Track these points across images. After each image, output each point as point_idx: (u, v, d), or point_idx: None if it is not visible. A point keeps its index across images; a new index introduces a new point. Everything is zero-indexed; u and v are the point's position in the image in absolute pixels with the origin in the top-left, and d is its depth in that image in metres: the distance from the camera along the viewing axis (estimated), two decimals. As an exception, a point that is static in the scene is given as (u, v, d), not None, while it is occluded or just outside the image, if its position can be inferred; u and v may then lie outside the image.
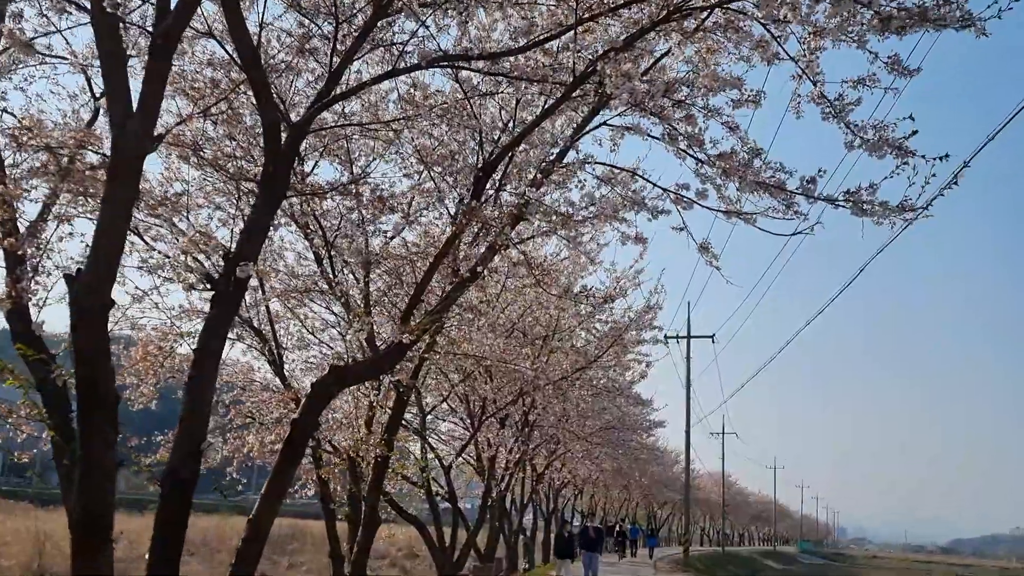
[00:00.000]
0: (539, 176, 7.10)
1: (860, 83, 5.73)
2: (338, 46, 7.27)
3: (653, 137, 7.46)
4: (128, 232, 8.47)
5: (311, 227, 11.29)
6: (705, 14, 6.52)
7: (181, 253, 6.31)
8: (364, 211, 10.81)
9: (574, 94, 6.67)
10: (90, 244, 4.90)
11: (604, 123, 7.60)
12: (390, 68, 6.85)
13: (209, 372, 5.98)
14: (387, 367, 8.07)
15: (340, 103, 9.70)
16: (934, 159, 5.79)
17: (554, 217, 8.28)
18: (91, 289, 4.87)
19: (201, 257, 7.37)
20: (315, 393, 6.33)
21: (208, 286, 5.77)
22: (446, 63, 6.69)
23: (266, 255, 11.75)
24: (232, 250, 5.87)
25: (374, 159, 11.26)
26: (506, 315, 14.79)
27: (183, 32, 4.78)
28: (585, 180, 8.30)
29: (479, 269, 7.03)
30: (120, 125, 4.78)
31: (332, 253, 11.66)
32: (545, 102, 6.91)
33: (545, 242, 14.35)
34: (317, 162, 11.28)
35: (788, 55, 5.84)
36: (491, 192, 8.78)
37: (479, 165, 6.72)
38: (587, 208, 8.92)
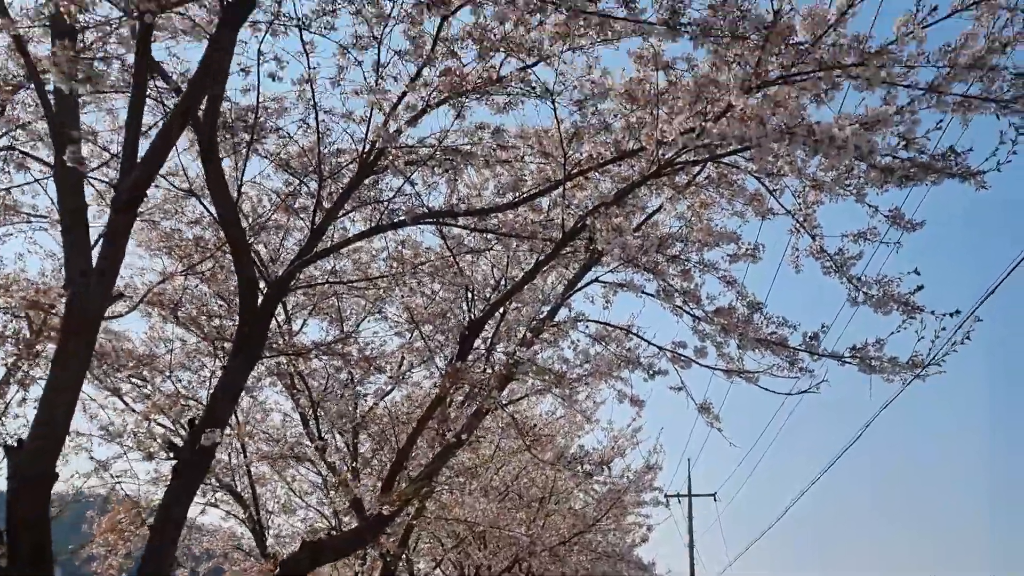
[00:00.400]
0: (529, 335, 6.79)
1: (861, 237, 5.51)
2: (324, 203, 7.13)
3: (647, 294, 7.22)
4: (106, 394, 8.06)
5: (298, 387, 10.91)
6: (697, 169, 6.41)
7: (143, 419, 5.92)
8: (352, 371, 10.48)
9: (565, 251, 6.45)
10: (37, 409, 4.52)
11: (596, 280, 7.38)
12: (375, 224, 6.66)
13: (168, 540, 5.49)
14: (369, 539, 7.49)
15: (333, 261, 9.60)
16: (943, 315, 5.50)
17: (548, 376, 7.93)
18: (35, 458, 4.45)
19: (168, 421, 6.95)
20: (284, 574, 5.78)
21: (171, 455, 5.32)
22: (432, 220, 6.51)
23: (251, 416, 11.33)
24: (199, 416, 5.47)
25: (365, 317, 11.05)
26: (500, 477, 14.16)
27: (150, 185, 4.58)
28: (579, 340, 8.01)
29: (464, 436, 6.61)
30: (78, 281, 4.50)
31: (319, 414, 11.22)
32: (536, 259, 6.68)
33: (540, 400, 13.99)
34: (306, 320, 11.07)
35: (785, 208, 5.65)
36: (483, 351, 8.47)
37: (466, 324, 6.43)
38: (581, 366, 8.59)
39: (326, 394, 10.93)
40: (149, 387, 8.56)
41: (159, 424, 6.48)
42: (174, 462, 5.32)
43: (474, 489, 12.27)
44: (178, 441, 5.53)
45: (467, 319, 6.36)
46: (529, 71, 6.38)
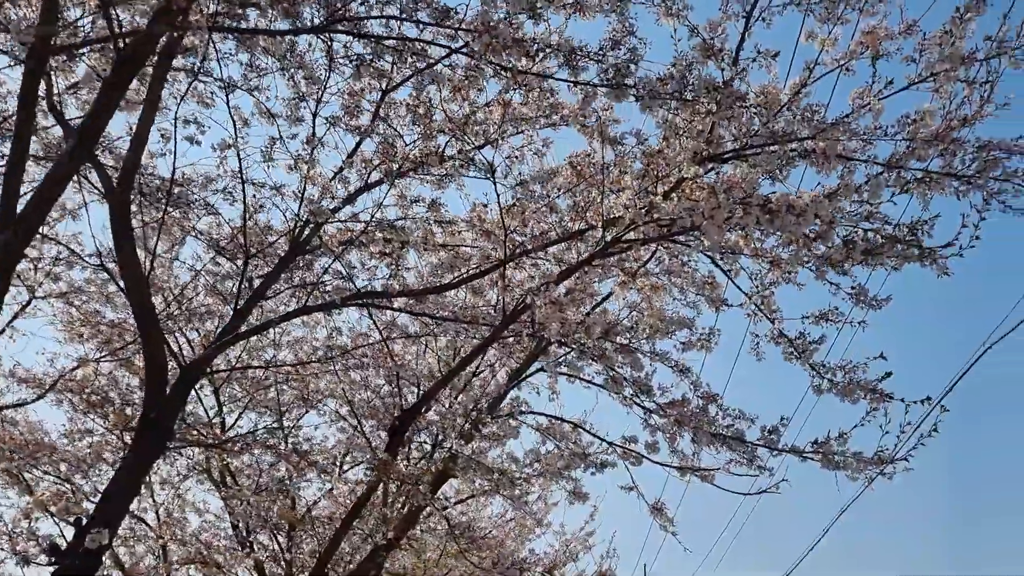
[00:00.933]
0: (468, 427, 6.27)
1: (823, 318, 5.15)
2: (254, 282, 6.65)
3: (596, 385, 6.76)
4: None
5: (228, 484, 10.15)
6: (646, 251, 6.06)
7: (23, 517, 5.25)
8: (286, 467, 9.79)
9: (508, 338, 6.01)
10: None
11: (542, 369, 6.91)
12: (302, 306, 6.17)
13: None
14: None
15: (273, 351, 9.04)
16: (912, 403, 5.12)
17: (494, 475, 7.37)
18: None
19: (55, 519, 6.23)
20: None
21: (52, 559, 4.65)
22: (363, 302, 6.04)
23: (172, 515, 10.51)
24: (88, 515, 4.82)
25: (306, 411, 10.42)
26: (446, 584, 13.28)
27: (27, 245, 4.07)
28: (522, 431, 7.50)
29: (396, 537, 5.99)
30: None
31: (250, 513, 10.41)
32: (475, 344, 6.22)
33: (489, 502, 13.30)
34: (241, 413, 10.41)
35: (741, 291, 5.29)
36: (429, 445, 7.89)
37: (396, 414, 5.91)
38: (531, 465, 8.07)
39: (258, 492, 10.19)
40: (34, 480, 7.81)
41: (43, 520, 5.79)
42: (53, 568, 4.65)
43: (415, 597, 11.44)
44: (63, 542, 4.86)
45: (398, 408, 5.84)
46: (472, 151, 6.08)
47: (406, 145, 6.40)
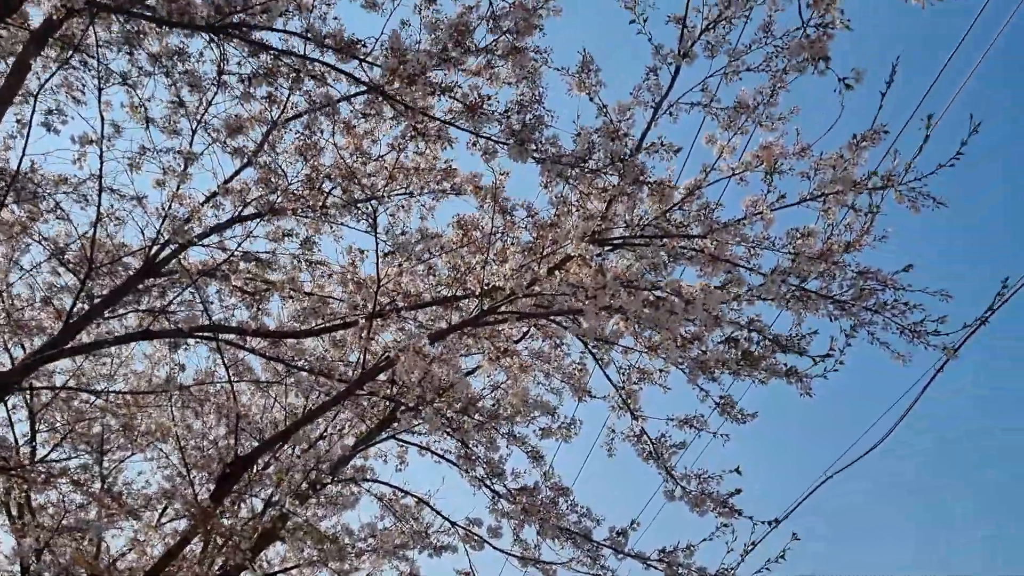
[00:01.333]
0: (305, 487, 5.80)
1: (687, 423, 5.04)
2: (92, 298, 6.06)
3: (448, 460, 6.44)
4: None
5: (24, 520, 9.11)
6: (518, 330, 5.88)
7: None
8: (97, 509, 8.89)
9: (363, 396, 5.64)
10: None
11: (394, 436, 6.54)
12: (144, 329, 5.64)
13: None
14: None
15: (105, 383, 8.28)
16: (761, 523, 5.03)
17: (326, 544, 6.86)
18: None
19: None
20: None
21: None
22: (213, 335, 5.57)
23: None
24: None
25: (131, 452, 9.57)
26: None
27: None
28: (362, 502, 7.06)
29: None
30: None
31: (43, 553, 9.35)
32: (324, 399, 5.81)
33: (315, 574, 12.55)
34: (58, 444, 9.47)
35: (609, 380, 5.14)
36: (257, 500, 7.28)
37: (229, 460, 5.39)
38: (366, 540, 7.60)
39: (58, 532, 9.18)
40: None
41: None
42: None
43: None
44: None
45: (232, 455, 5.34)
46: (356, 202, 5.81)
47: (288, 183, 6.08)
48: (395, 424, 6.59)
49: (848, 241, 4.76)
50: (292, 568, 10.58)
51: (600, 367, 5.20)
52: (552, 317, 5.12)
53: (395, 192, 5.94)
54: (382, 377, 5.14)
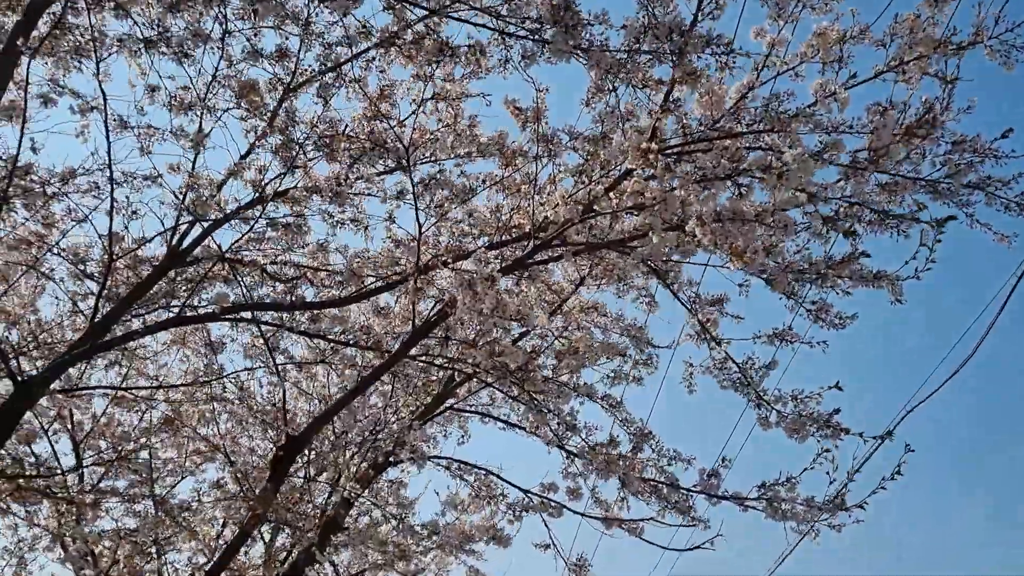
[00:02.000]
0: (369, 470, 5.40)
1: (778, 338, 4.57)
2: (116, 297, 5.69)
3: (511, 424, 6.02)
4: None
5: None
6: (572, 273, 5.44)
7: None
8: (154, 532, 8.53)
9: (418, 358, 5.22)
10: None
11: (452, 408, 6.12)
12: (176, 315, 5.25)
13: None
14: None
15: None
16: (870, 439, 4.55)
17: (390, 548, 6.44)
18: None
19: None
20: None
21: None
22: (250, 315, 5.17)
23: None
24: None
25: (181, 477, 9.20)
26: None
27: None
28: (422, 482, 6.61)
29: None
30: None
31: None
32: (376, 366, 5.36)
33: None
34: (105, 473, 9.14)
35: (682, 303, 4.67)
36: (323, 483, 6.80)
37: (281, 442, 4.96)
38: (429, 537, 7.21)
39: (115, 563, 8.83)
40: None
41: None
42: None
43: None
44: None
45: (282, 437, 4.91)
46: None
47: (308, 160, 5.67)
48: (453, 396, 6.19)
49: (935, 114, 4.27)
50: (357, 574, 10.21)
51: (672, 292, 4.73)
52: (611, 247, 4.66)
53: (422, 161, 5.53)
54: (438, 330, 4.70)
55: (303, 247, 5.93)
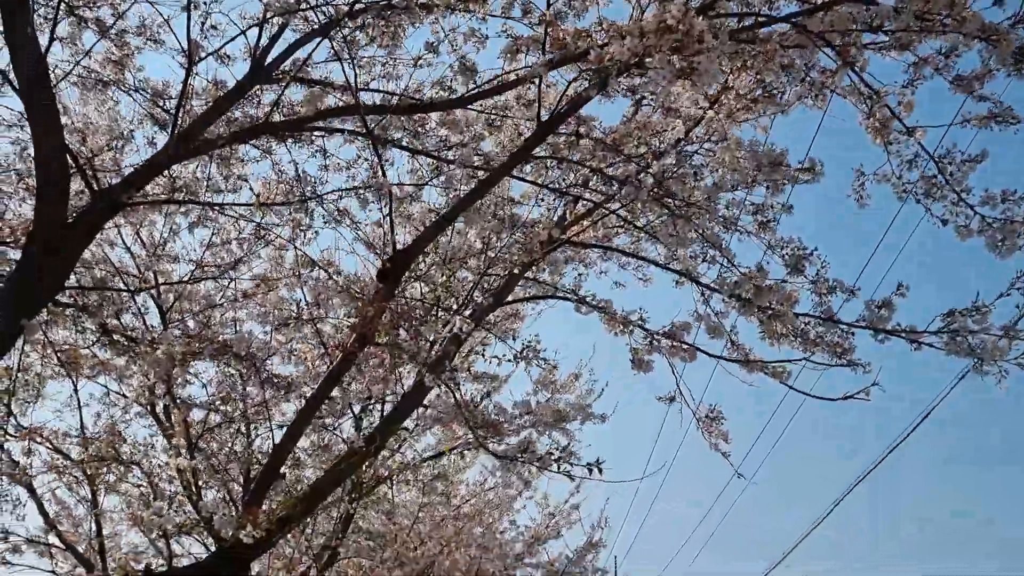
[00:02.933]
0: (490, 300, 4.79)
1: (992, 120, 3.72)
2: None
3: (640, 258, 5.33)
4: None
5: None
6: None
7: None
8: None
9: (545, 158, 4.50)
10: None
11: (569, 240, 5.42)
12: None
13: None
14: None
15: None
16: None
17: (479, 430, 5.90)
18: None
19: None
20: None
21: None
22: (351, 118, 4.50)
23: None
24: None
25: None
26: (420, 552, 11.76)
27: None
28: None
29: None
30: None
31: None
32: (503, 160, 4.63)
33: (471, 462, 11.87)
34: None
35: (869, 87, 3.82)
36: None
37: (394, 247, 4.30)
38: (521, 417, 6.72)
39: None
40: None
41: None
42: None
43: (386, 559, 9.92)
44: None
45: (391, 244, 4.30)
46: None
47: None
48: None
49: None
50: (455, 449, 9.81)
51: (857, 75, 3.88)
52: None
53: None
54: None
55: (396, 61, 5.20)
